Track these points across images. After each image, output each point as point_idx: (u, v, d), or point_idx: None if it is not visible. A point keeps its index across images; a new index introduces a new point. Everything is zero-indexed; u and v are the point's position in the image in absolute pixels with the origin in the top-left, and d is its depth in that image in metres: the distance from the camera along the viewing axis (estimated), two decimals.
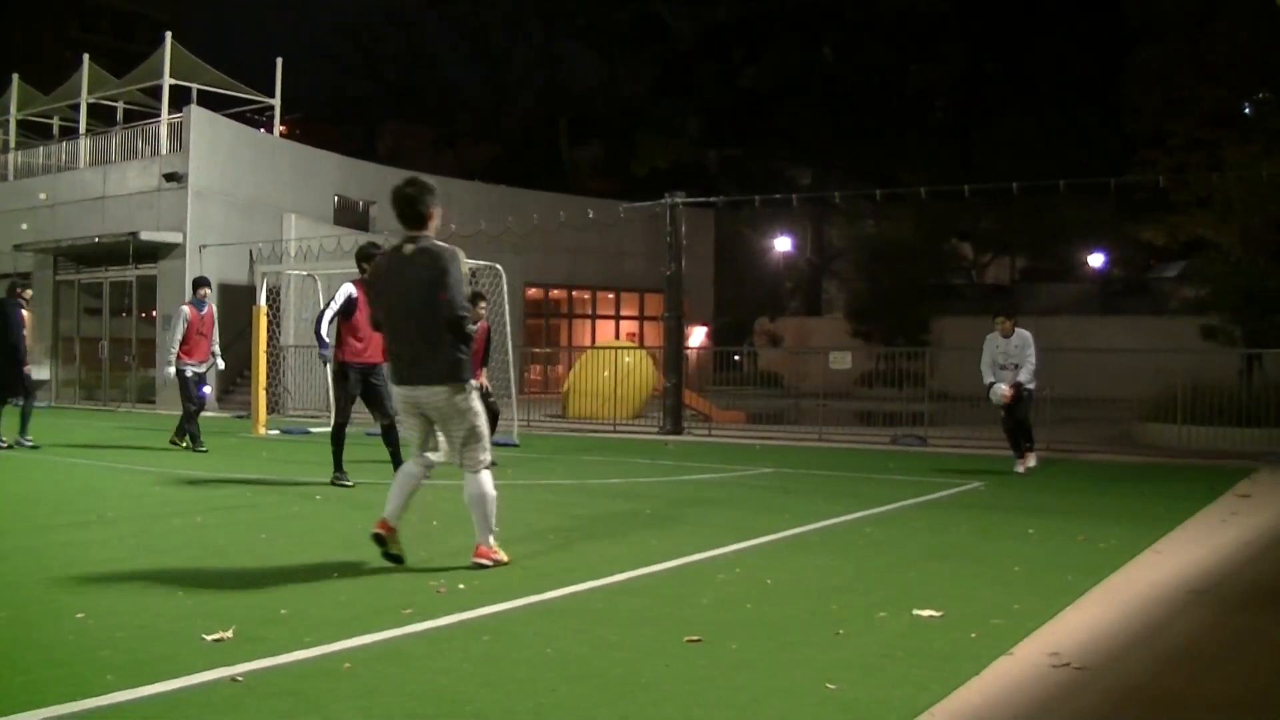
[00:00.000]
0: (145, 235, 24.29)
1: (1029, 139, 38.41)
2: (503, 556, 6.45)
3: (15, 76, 31.58)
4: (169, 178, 24.77)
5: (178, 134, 25.76)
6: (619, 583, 6.20)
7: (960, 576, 6.52)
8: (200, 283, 14.36)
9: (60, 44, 57.64)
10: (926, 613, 5.45)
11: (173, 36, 27.13)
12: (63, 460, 13.10)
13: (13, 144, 31.36)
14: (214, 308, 14.41)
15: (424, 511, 8.03)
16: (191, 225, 24.39)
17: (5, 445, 14.14)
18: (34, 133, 32.35)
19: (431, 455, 6.56)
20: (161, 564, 6.61)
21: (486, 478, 6.42)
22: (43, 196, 27.88)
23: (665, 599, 5.78)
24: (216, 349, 14.20)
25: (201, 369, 14.01)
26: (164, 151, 25.96)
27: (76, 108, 29.47)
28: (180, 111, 26.19)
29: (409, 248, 6.32)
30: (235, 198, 25.15)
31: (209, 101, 27.36)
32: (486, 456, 6.44)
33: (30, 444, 14.29)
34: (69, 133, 30.61)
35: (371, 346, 9.86)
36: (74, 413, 23.73)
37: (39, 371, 26.32)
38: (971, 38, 41.07)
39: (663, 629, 5.08)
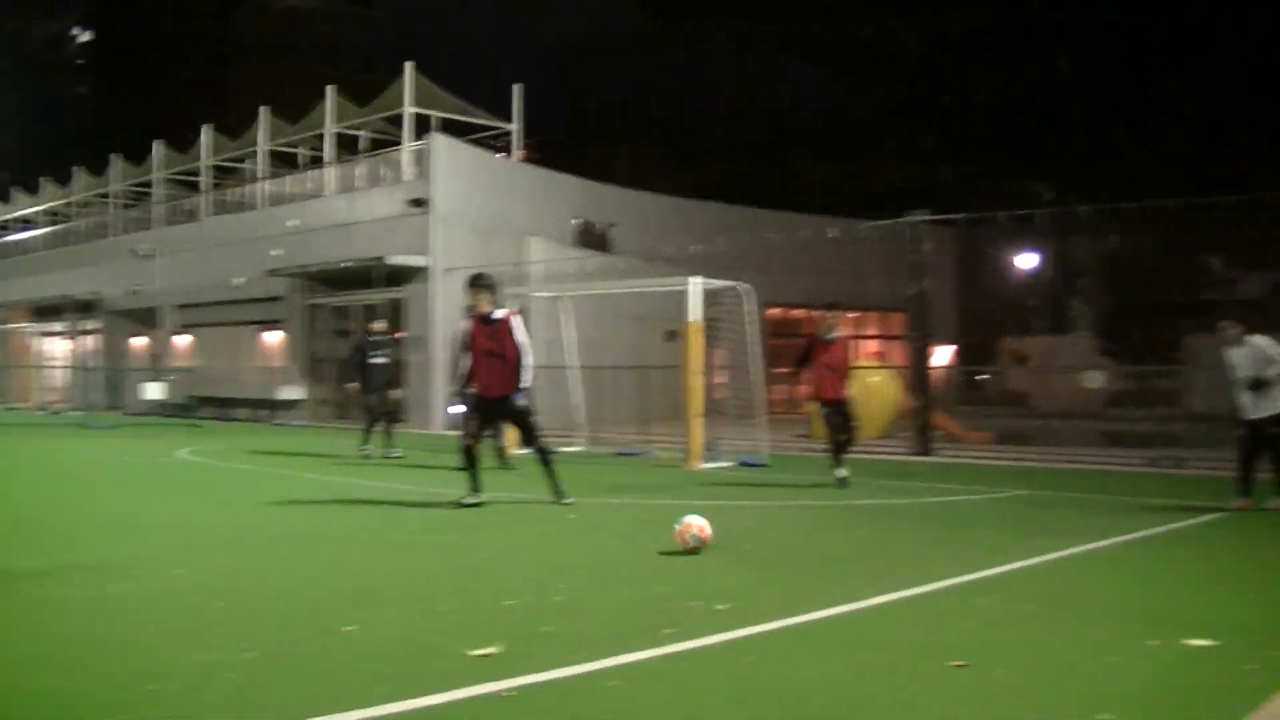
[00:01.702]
0: (391, 259, 26.94)
1: None
2: None
3: (264, 110, 35.27)
4: (414, 203, 27.54)
5: (421, 161, 28.60)
6: (877, 605, 6.53)
7: (1232, 605, 6.72)
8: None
9: (304, 78, 62.68)
10: (1198, 642, 5.54)
11: (412, 67, 30.06)
12: (318, 478, 14.61)
13: (262, 174, 35.01)
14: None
15: (668, 531, 8.54)
16: (436, 249, 26.95)
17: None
18: (282, 163, 36.00)
19: None
20: (423, 580, 7.38)
21: None
22: (293, 223, 31.16)
23: (925, 622, 6.13)
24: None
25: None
26: (407, 178, 28.96)
27: (322, 138, 32.87)
28: (421, 139, 29.08)
29: None
30: (477, 222, 27.73)
31: (449, 128, 30.26)
32: None
33: (397, 455, 17.30)
34: (315, 162, 34.05)
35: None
36: (328, 432, 26.28)
37: (291, 392, 29.54)
38: (1218, 46, 40.92)
39: (925, 653, 5.36)
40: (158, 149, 41.05)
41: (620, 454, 19.26)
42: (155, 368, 35.81)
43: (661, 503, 11.81)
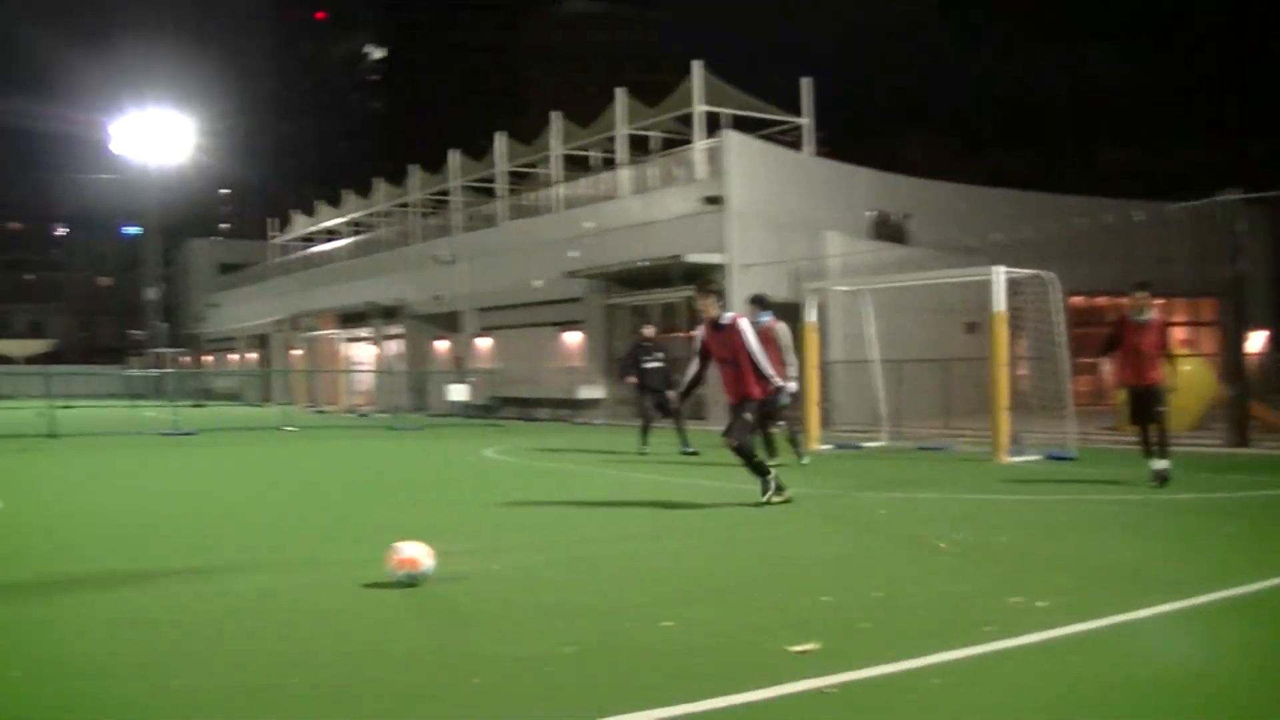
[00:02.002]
0: (688, 258, 27.63)
1: None
2: None
3: (555, 115, 36.67)
4: (709, 201, 28.17)
5: (713, 159, 29.25)
6: (1212, 603, 6.35)
7: None
8: (752, 300, 16.58)
9: (592, 81, 64.86)
10: None
11: (701, 65, 30.76)
12: (623, 475, 14.94)
13: (556, 178, 36.41)
14: (777, 327, 16.06)
15: (981, 527, 8.71)
16: (732, 246, 27.53)
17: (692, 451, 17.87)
18: (575, 166, 37.37)
19: None
20: (735, 575, 7.49)
21: None
22: (589, 225, 32.27)
23: (1276, 619, 6.02)
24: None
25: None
26: (700, 176, 29.62)
27: (613, 140, 33.98)
28: (713, 137, 29.73)
29: None
30: (772, 217, 28.16)
31: (739, 124, 30.79)
32: None
33: (692, 452, 17.81)
34: (608, 164, 35.21)
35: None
36: (628, 431, 27.06)
37: (592, 391, 30.61)
38: None
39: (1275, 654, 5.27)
40: (454, 158, 43.15)
41: (923, 448, 19.23)
42: (458, 370, 37.62)
43: (969, 498, 11.85)
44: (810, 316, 20.67)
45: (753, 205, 28.20)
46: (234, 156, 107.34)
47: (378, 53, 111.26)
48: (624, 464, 16.51)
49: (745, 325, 10.96)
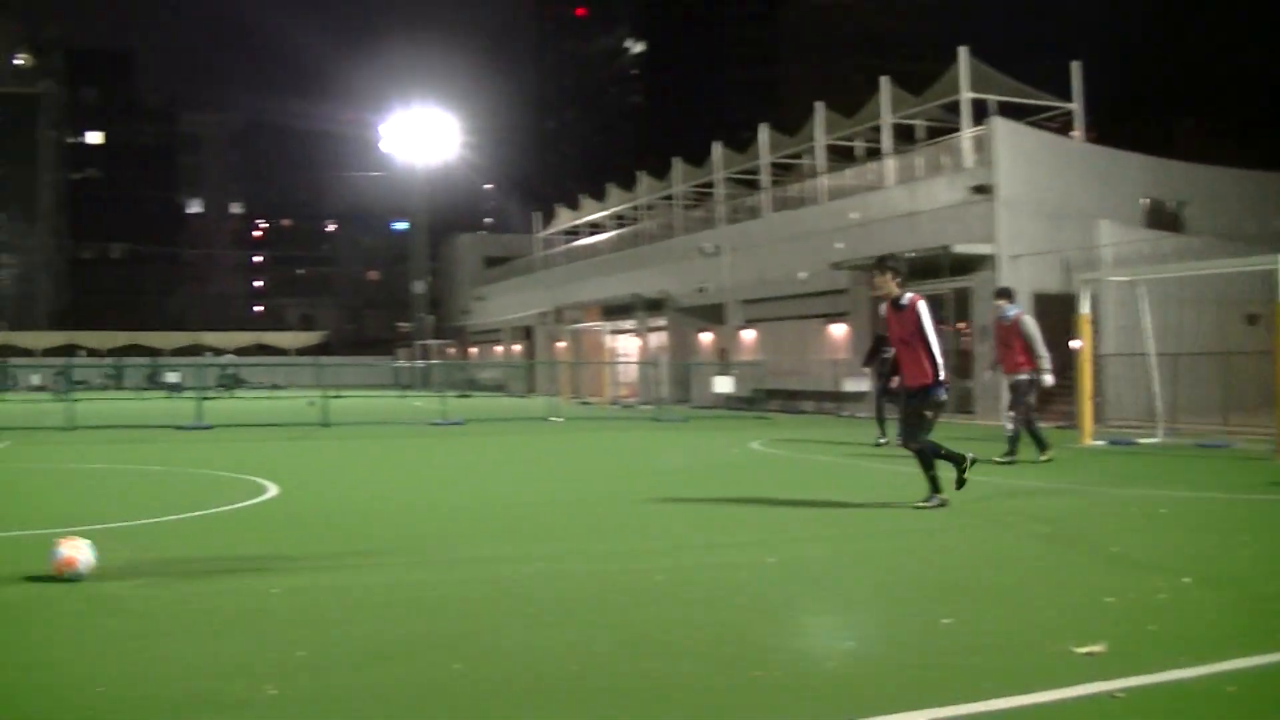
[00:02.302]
0: (956, 248, 27.95)
1: None
2: None
3: (819, 105, 37.39)
4: (977, 190, 28.45)
5: (981, 147, 29.50)
6: None
7: None
8: (998, 293, 17.01)
9: (854, 70, 65.30)
10: None
11: (967, 52, 31.01)
12: (892, 469, 14.73)
13: (821, 168, 37.15)
14: (1024, 320, 16.24)
15: (1273, 529, 8.70)
16: (1001, 236, 27.76)
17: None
18: (839, 156, 38.01)
19: None
20: (1013, 572, 7.58)
21: None
22: (854, 216, 32.91)
23: None
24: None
25: (1012, 378, 16.16)
26: (968, 165, 29.90)
27: (878, 129, 34.51)
28: (980, 124, 29.97)
29: None
30: (1042, 206, 28.19)
31: (1006, 111, 30.90)
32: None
33: (884, 442, 18.45)
34: (872, 154, 35.75)
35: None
36: (894, 425, 27.57)
37: (857, 384, 31.28)
38: None
39: None
40: (717, 150, 44.31)
41: (1201, 445, 18.83)
42: (722, 362, 38.69)
43: (1255, 498, 11.75)
44: (1084, 308, 20.47)
45: (1022, 194, 28.29)
46: (498, 152, 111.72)
47: (637, 47, 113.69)
48: (888, 458, 16.50)
49: (923, 306, 10.64)
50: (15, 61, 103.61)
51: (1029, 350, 15.81)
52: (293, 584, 7.21)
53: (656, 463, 17.69)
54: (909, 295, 10.70)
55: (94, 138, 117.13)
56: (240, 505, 11.45)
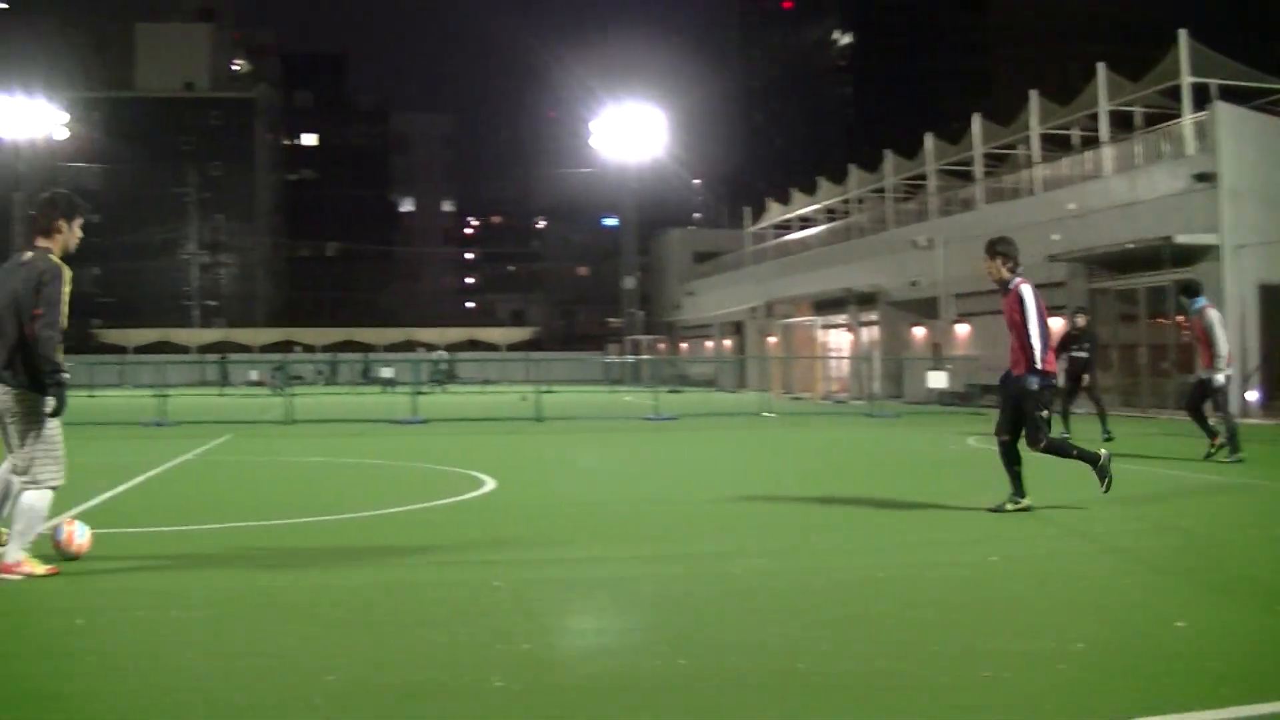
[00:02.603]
0: (1179, 239, 27.79)
1: None
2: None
3: (1033, 93, 37.36)
4: (1199, 178, 28.23)
5: (1204, 133, 29.23)
6: None
7: None
8: (1182, 288, 17.06)
9: (1067, 57, 64.42)
10: None
11: (1187, 34, 30.68)
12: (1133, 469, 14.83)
13: (1036, 158, 37.15)
14: (1208, 313, 15.91)
15: None
16: (1225, 225, 27.53)
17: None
18: (1054, 145, 37.91)
19: None
20: (1241, 575, 7.55)
21: None
22: (1071, 206, 32.89)
23: None
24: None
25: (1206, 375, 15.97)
26: (1190, 152, 29.64)
27: (1094, 117, 34.36)
28: (1202, 110, 29.65)
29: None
30: (1268, 194, 27.73)
31: (1230, 96, 30.40)
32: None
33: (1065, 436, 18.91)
34: (1088, 143, 35.59)
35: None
36: (1112, 420, 27.48)
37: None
38: None
39: None
40: (929, 141, 44.50)
41: None
42: (935, 357, 38.95)
43: None
44: None
45: (1247, 181, 27.87)
46: (706, 147, 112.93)
47: (846, 37, 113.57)
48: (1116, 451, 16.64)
49: (1027, 291, 10.40)
50: (233, 67, 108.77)
51: (1213, 348, 15.52)
52: (515, 577, 7.56)
53: (872, 458, 18.03)
54: (1016, 279, 10.52)
55: (309, 140, 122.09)
56: (459, 499, 11.96)
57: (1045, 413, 10.37)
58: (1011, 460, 10.48)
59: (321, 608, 6.70)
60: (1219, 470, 14.38)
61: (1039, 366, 10.12)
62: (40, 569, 7.35)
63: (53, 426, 7.49)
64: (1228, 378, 15.74)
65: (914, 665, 5.27)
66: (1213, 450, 15.56)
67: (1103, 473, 10.37)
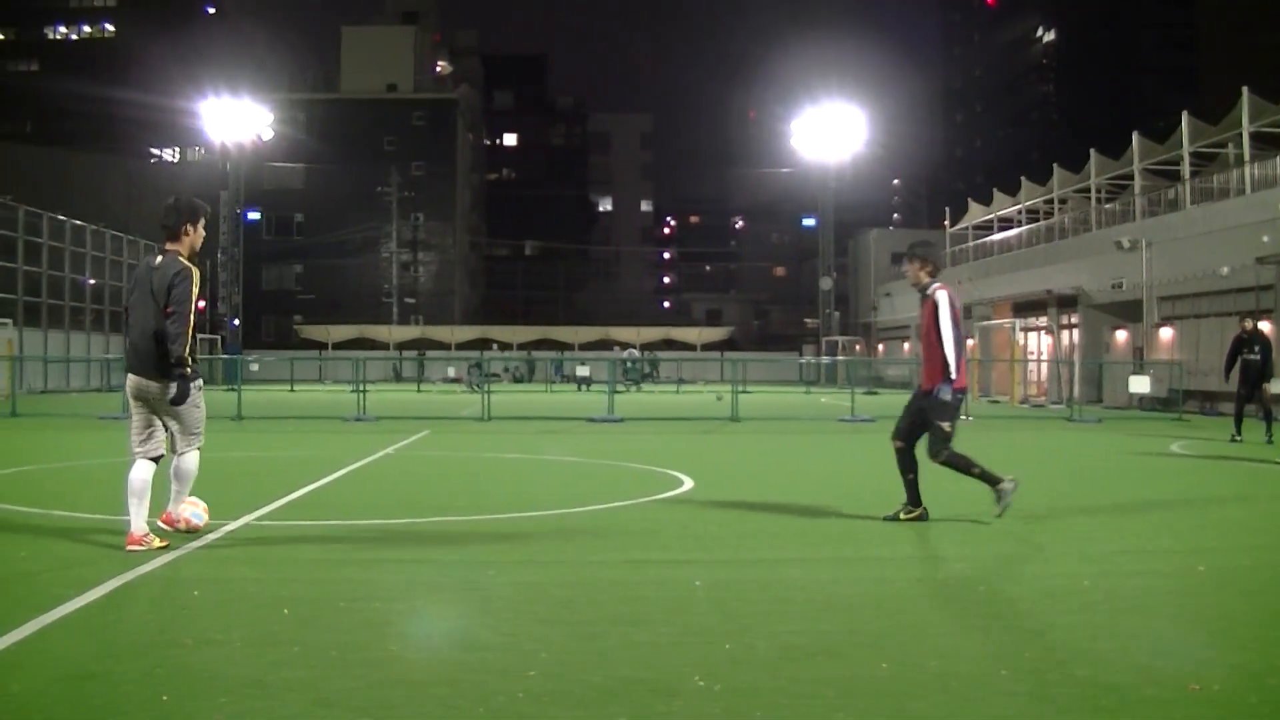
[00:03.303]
0: None
1: None
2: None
3: (1245, 90, 36.75)
4: None
5: None
6: None
7: None
8: None
9: None
10: None
11: None
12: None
13: (1247, 157, 36.54)
14: None
15: None
16: None
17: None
18: (1266, 144, 37.20)
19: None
20: None
21: None
22: None
23: None
24: None
25: None
26: None
27: None
28: None
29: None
30: None
31: None
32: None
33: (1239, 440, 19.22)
34: None
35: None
36: None
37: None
38: None
39: None
40: (1135, 140, 43.99)
41: None
42: (1138, 361, 38.45)
43: None
44: None
45: None
46: (906, 147, 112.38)
47: (1049, 35, 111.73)
48: None
49: (943, 299, 9.91)
50: (436, 69, 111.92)
51: None
52: (714, 577, 7.65)
53: (1072, 464, 17.55)
54: (934, 285, 10.06)
55: (509, 139, 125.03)
56: (658, 497, 12.06)
57: (949, 425, 9.98)
58: (907, 468, 10.25)
59: (522, 603, 6.90)
60: None
61: (953, 377, 9.75)
62: (157, 543, 8.30)
63: (197, 401, 8.56)
64: None
65: (1119, 677, 5.27)
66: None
67: (1000, 495, 9.94)
